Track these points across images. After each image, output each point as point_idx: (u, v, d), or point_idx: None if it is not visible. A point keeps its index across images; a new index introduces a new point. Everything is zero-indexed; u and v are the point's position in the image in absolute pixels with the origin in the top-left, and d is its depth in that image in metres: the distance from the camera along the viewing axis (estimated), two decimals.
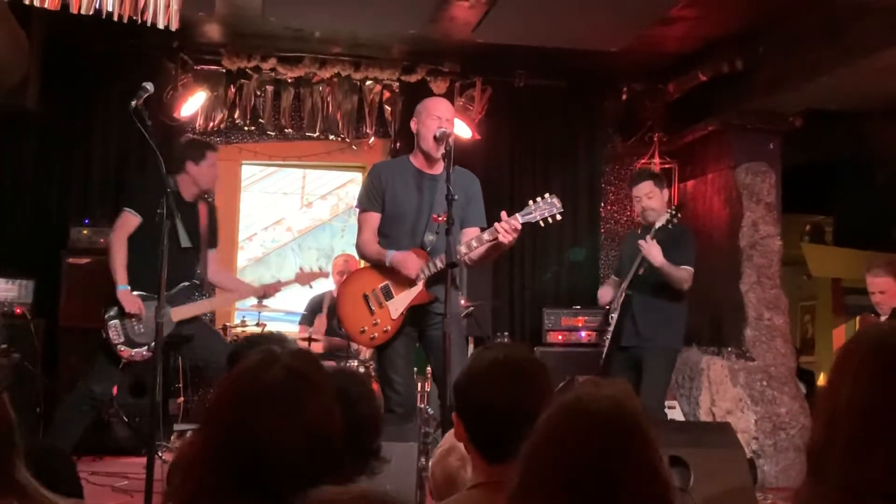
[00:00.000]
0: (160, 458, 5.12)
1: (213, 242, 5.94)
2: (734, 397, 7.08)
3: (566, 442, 1.51)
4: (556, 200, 4.77)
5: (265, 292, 6.01)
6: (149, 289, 5.32)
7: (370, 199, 4.95)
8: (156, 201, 5.39)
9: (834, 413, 1.53)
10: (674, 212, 5.79)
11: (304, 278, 6.11)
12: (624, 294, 5.87)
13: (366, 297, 4.87)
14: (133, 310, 5.41)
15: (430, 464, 2.81)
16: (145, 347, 5.43)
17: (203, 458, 1.63)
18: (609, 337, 5.94)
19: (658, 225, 5.81)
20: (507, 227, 4.58)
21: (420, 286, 4.79)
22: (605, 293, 6.15)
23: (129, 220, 5.53)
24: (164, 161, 4.71)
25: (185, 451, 1.71)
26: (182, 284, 5.59)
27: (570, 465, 1.48)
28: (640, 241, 5.74)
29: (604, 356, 6.00)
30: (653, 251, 5.67)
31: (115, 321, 5.42)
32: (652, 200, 5.90)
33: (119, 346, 5.41)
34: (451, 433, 2.75)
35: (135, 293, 5.42)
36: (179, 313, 5.53)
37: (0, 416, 1.71)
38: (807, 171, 8.37)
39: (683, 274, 5.78)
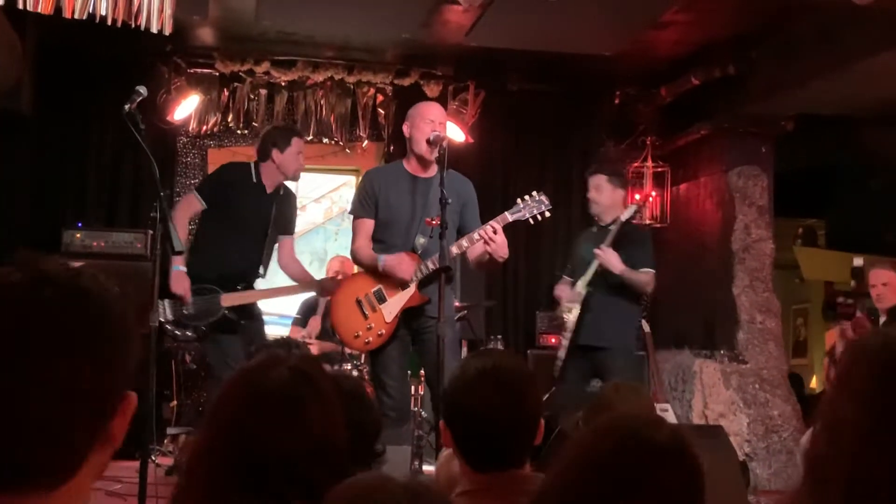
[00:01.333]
0: (153, 461, 5.12)
1: (289, 230, 5.81)
2: (727, 400, 7.10)
3: (616, 476, 1.46)
4: (544, 198, 4.80)
5: (321, 287, 5.77)
6: (208, 280, 5.27)
7: (363, 205, 4.96)
8: (232, 193, 5.43)
9: (837, 420, 1.54)
10: (633, 213, 5.86)
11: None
12: (584, 292, 5.80)
13: (359, 302, 4.87)
14: (178, 290, 5.30)
15: (436, 466, 2.82)
16: (190, 329, 5.39)
17: (205, 458, 1.63)
18: (569, 337, 5.86)
19: (608, 223, 5.80)
20: (485, 234, 4.59)
21: (413, 289, 4.80)
22: (563, 291, 6.06)
23: (192, 203, 5.49)
24: (157, 166, 4.72)
25: (188, 450, 1.71)
26: (247, 277, 5.53)
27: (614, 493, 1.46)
28: (596, 251, 5.73)
29: (563, 359, 5.92)
30: (611, 260, 5.68)
31: (164, 300, 5.30)
32: (599, 195, 5.90)
33: (166, 324, 5.33)
34: None
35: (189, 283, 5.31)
36: (230, 299, 5.38)
37: None
38: (799, 175, 8.40)
39: (645, 277, 5.79)
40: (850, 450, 1.40)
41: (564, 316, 5.93)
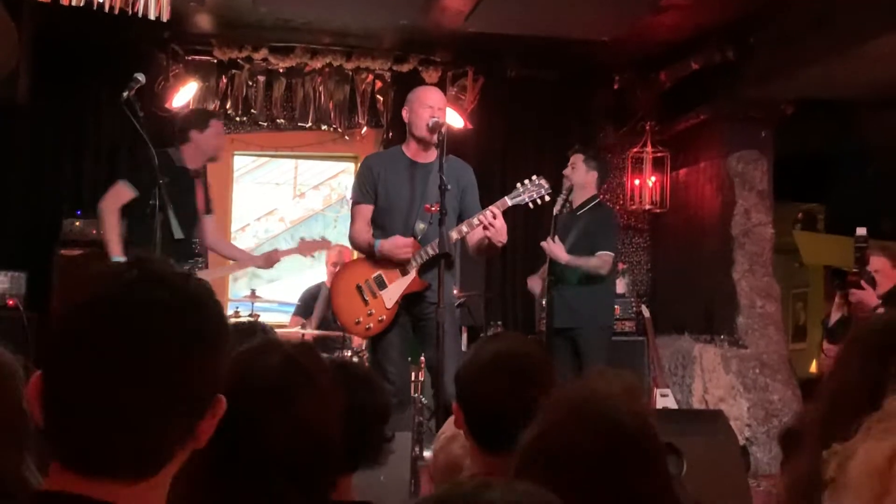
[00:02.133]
0: None
1: (210, 209, 5.90)
2: (727, 385, 7.11)
3: (573, 442, 1.49)
4: (543, 182, 4.81)
5: (265, 261, 5.90)
6: None
7: (362, 191, 4.96)
8: (159, 177, 5.41)
9: (838, 391, 1.57)
10: (567, 195, 5.99)
11: (306, 248, 6.10)
12: (546, 279, 5.93)
13: (359, 288, 4.87)
14: None
15: (432, 449, 2.82)
16: None
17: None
18: (545, 322, 5.98)
19: (555, 209, 5.85)
20: (485, 219, 4.59)
21: (413, 274, 4.80)
22: (534, 283, 6.32)
23: (122, 192, 5.48)
24: (155, 152, 4.73)
25: None
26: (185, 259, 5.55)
27: (573, 466, 1.47)
28: (542, 244, 5.90)
29: (545, 341, 5.97)
30: (555, 251, 5.83)
31: None
32: (572, 172, 6.13)
33: None
34: (451, 420, 2.77)
35: None
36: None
37: (14, 408, 1.70)
38: (799, 160, 8.38)
39: (596, 262, 5.94)
40: (849, 409, 1.42)
41: (543, 303, 6.03)
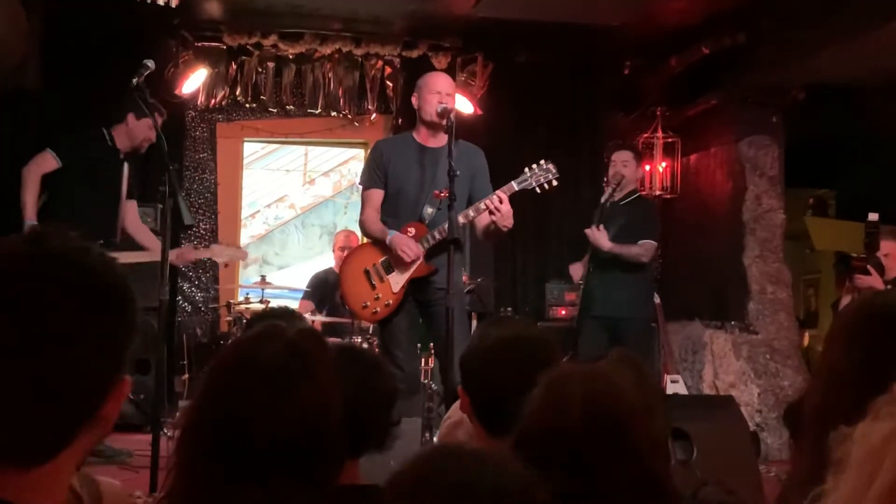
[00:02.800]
0: (165, 434, 5.14)
1: (133, 194, 5.89)
2: (737, 371, 7.10)
3: (555, 418, 1.53)
4: (551, 166, 4.79)
5: (177, 257, 5.66)
6: None
7: (372, 176, 4.96)
8: (89, 154, 5.48)
9: (833, 373, 1.57)
10: (615, 188, 6.12)
11: (219, 253, 6.03)
12: (586, 268, 6.06)
13: (367, 272, 4.88)
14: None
15: (438, 435, 2.83)
16: None
17: (192, 430, 1.61)
18: (578, 306, 6.20)
19: (602, 198, 6.11)
20: (491, 203, 4.59)
21: (419, 259, 4.81)
22: (576, 269, 6.38)
23: (47, 160, 5.47)
24: (165, 140, 4.72)
25: (180, 419, 1.69)
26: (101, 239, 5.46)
27: (559, 441, 1.50)
28: (586, 231, 6.00)
29: (575, 325, 6.26)
30: (599, 239, 5.94)
31: None
32: (626, 169, 6.21)
33: None
34: (457, 405, 2.78)
35: None
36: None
37: None
38: (810, 145, 8.34)
39: (637, 250, 6.04)
40: (846, 391, 1.43)
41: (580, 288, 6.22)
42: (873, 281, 5.56)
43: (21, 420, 1.07)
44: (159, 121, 5.62)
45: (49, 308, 1.08)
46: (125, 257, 5.58)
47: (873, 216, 5.52)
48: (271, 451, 1.53)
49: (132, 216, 5.84)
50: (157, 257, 5.74)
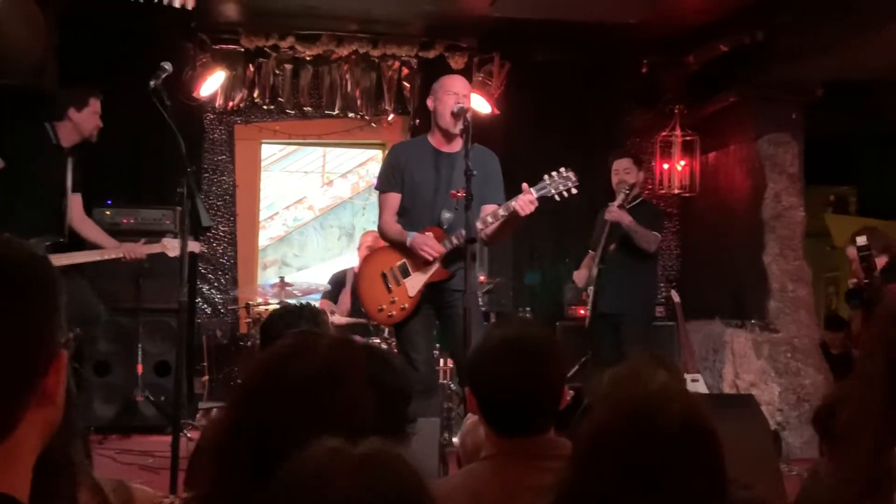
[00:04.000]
0: (186, 436, 5.17)
1: (77, 188, 5.79)
2: (758, 369, 7.06)
3: (627, 450, 1.49)
4: (571, 174, 4.76)
5: (128, 251, 5.63)
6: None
7: (389, 179, 4.96)
8: (28, 152, 5.42)
9: (867, 377, 1.56)
10: (631, 188, 6.34)
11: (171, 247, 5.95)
12: (597, 268, 6.27)
13: (383, 276, 4.88)
14: None
15: (460, 434, 2.84)
16: None
17: (226, 439, 1.61)
18: (590, 307, 6.36)
19: (618, 200, 6.27)
20: (524, 202, 4.57)
21: (437, 263, 4.80)
22: (579, 274, 6.60)
23: None
24: (184, 142, 4.72)
25: (210, 430, 1.69)
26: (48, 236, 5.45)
27: (629, 474, 1.48)
28: (608, 212, 6.23)
29: (587, 326, 6.44)
30: (622, 215, 6.17)
31: None
32: (629, 175, 6.39)
33: None
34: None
35: None
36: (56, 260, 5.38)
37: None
38: (830, 142, 8.30)
39: (651, 236, 6.26)
40: (881, 393, 1.41)
41: (588, 292, 6.41)
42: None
43: None
44: (98, 104, 5.64)
45: None
46: (77, 257, 5.57)
47: (861, 239, 5.50)
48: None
49: (77, 210, 5.75)
50: (106, 255, 5.65)
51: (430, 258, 4.74)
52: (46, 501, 1.18)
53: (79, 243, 5.72)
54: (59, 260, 5.38)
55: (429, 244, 4.73)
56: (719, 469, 1.52)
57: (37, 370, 1.17)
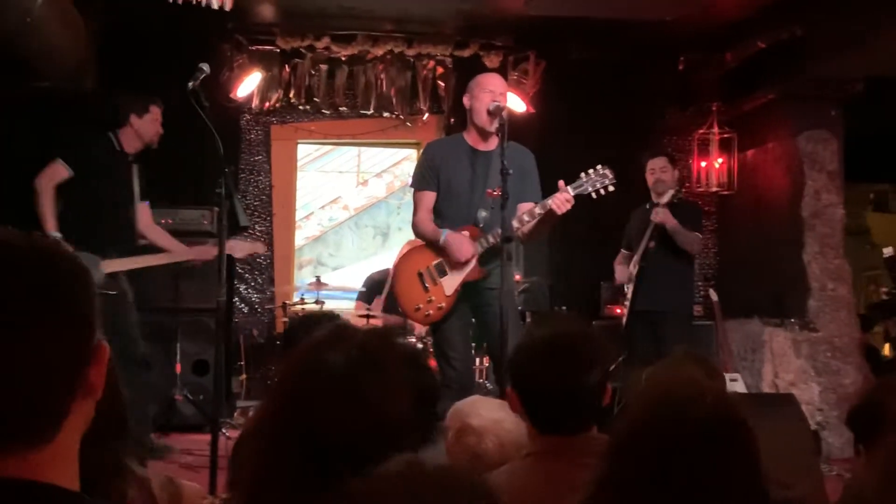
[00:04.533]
0: (224, 434, 5.19)
1: (144, 196, 5.93)
2: (798, 369, 7.00)
3: (660, 441, 1.49)
4: (608, 171, 4.73)
5: (198, 254, 5.79)
6: (84, 246, 5.10)
7: (425, 178, 4.95)
8: (97, 160, 5.53)
9: None
10: (679, 189, 6.50)
11: (239, 248, 5.96)
12: (637, 266, 6.32)
13: (420, 275, 4.88)
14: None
15: (445, 448, 2.81)
16: None
17: (264, 435, 1.62)
18: (628, 306, 6.42)
19: (664, 200, 6.36)
20: (561, 200, 4.55)
21: (473, 263, 4.79)
22: (621, 272, 6.63)
23: (58, 171, 5.52)
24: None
25: (248, 425, 1.70)
26: (121, 243, 5.61)
27: (662, 465, 1.47)
28: (654, 212, 6.29)
29: (624, 324, 6.48)
30: (666, 217, 6.22)
31: None
32: (665, 174, 6.49)
33: None
34: (454, 413, 2.77)
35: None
36: (111, 265, 5.47)
37: (115, 396, 1.70)
38: (870, 139, 8.19)
39: (694, 237, 6.36)
40: None
41: (626, 289, 6.44)
42: None
43: (21, 400, 1.12)
44: (159, 112, 5.73)
45: (12, 293, 1.13)
46: (149, 260, 5.67)
47: (887, 251, 5.50)
48: (343, 452, 1.53)
49: (145, 218, 5.89)
50: (177, 258, 5.81)
51: (463, 259, 4.74)
52: (97, 499, 1.19)
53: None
54: (131, 263, 5.52)
55: (463, 245, 4.73)
56: (754, 463, 1.51)
57: (85, 360, 1.18)
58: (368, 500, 1.15)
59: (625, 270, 6.54)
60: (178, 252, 5.84)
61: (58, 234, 5.30)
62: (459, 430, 2.69)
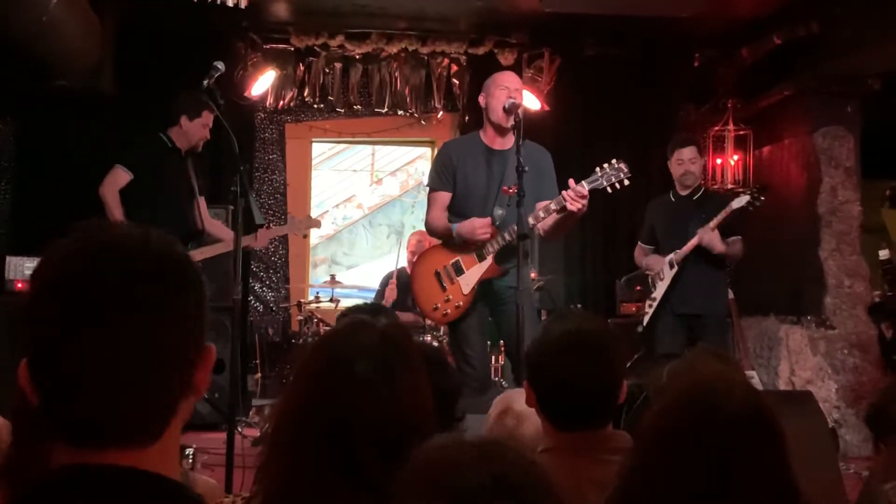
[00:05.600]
0: (240, 433, 5.20)
1: (201, 191, 5.99)
2: (814, 366, 6.96)
3: (691, 435, 1.49)
4: (623, 165, 4.70)
5: (256, 240, 5.83)
6: None
7: (441, 178, 4.95)
8: (155, 159, 5.58)
9: None
10: (746, 202, 5.88)
11: (296, 227, 6.15)
12: (674, 267, 5.95)
13: (437, 274, 4.88)
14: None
15: (485, 429, 2.83)
16: None
17: (289, 424, 1.62)
18: (654, 304, 6.04)
19: (718, 221, 5.84)
20: (573, 195, 4.53)
21: (490, 260, 4.79)
22: (657, 261, 6.11)
23: (120, 176, 5.58)
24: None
25: (273, 416, 1.71)
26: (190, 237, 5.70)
27: (694, 459, 1.47)
28: (700, 233, 5.82)
29: (646, 322, 6.14)
30: (714, 242, 5.82)
31: None
32: (694, 165, 6.06)
33: None
34: (501, 398, 2.80)
35: None
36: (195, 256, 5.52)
37: None
38: (887, 135, 8.14)
39: (739, 246, 5.98)
40: None
41: (657, 285, 6.08)
42: None
43: (139, 401, 1.16)
44: (210, 118, 5.74)
45: (123, 292, 1.15)
46: (207, 252, 5.76)
47: (883, 253, 5.45)
48: (369, 441, 1.54)
49: (204, 210, 5.96)
50: (230, 247, 5.89)
51: (487, 237, 4.71)
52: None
53: None
54: (201, 254, 5.66)
55: (476, 226, 4.72)
56: (784, 457, 1.50)
57: (195, 364, 1.22)
58: (437, 466, 1.16)
59: (658, 261, 6.08)
60: (230, 240, 5.80)
61: None
62: (502, 411, 2.71)
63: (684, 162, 6.06)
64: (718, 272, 6.05)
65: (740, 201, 5.88)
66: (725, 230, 5.90)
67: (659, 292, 6.05)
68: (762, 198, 5.85)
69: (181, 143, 5.75)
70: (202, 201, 5.94)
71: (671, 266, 5.98)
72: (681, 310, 5.96)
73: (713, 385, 1.54)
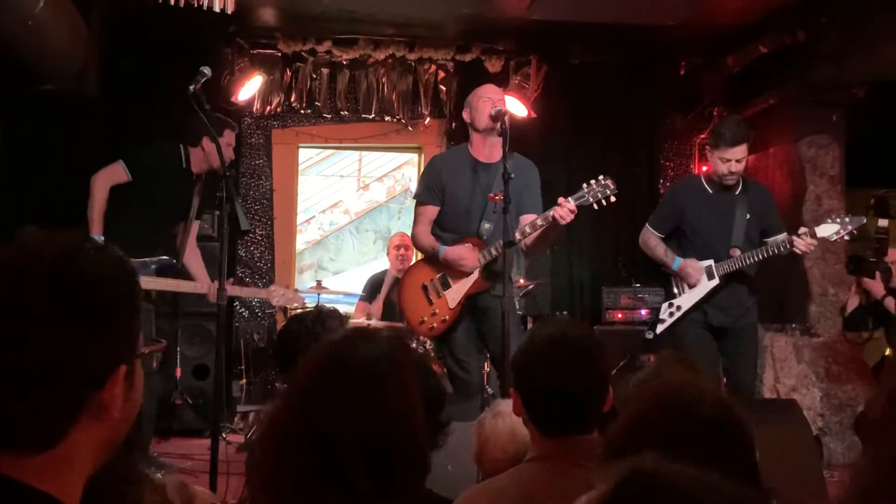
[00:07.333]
0: (224, 439, 5.18)
1: (199, 215, 5.88)
2: (799, 374, 6.99)
3: (663, 439, 1.49)
4: (609, 182, 4.71)
5: (209, 291, 5.40)
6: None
7: (429, 192, 4.99)
8: (160, 171, 5.48)
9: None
10: (835, 231, 5.54)
11: (276, 296, 5.78)
12: (715, 277, 5.44)
13: (424, 288, 4.92)
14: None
15: (477, 441, 2.85)
16: None
17: (278, 431, 1.62)
18: (678, 312, 5.51)
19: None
20: (564, 211, 4.54)
21: (476, 275, 4.82)
22: (696, 270, 5.46)
23: (117, 172, 5.46)
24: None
25: (263, 421, 1.71)
26: (160, 257, 5.40)
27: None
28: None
29: (659, 330, 5.55)
30: (875, 288, 5.58)
31: None
32: (740, 165, 5.46)
33: None
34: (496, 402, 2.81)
35: None
36: (147, 283, 5.22)
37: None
38: (871, 144, 8.18)
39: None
40: None
41: (684, 291, 5.51)
42: (874, 286, 5.54)
43: (20, 405, 1.15)
44: (233, 136, 5.63)
45: (35, 307, 1.15)
46: (169, 284, 5.44)
47: (883, 222, 5.46)
48: (360, 452, 1.54)
49: (192, 239, 5.79)
50: (198, 290, 5.58)
51: (467, 269, 4.77)
52: None
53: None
54: (160, 284, 5.39)
55: (462, 256, 4.76)
56: (752, 461, 1.52)
57: (92, 383, 1.19)
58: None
59: (696, 268, 5.45)
60: (202, 285, 5.58)
61: (101, 238, 5.14)
62: (497, 413, 2.73)
63: (731, 162, 5.41)
64: (754, 281, 5.62)
65: (831, 230, 5.50)
66: (776, 228, 5.62)
67: (687, 301, 5.51)
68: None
69: (199, 166, 5.61)
70: (195, 226, 5.80)
71: (710, 276, 5.45)
72: (719, 321, 5.49)
73: (686, 394, 1.56)
